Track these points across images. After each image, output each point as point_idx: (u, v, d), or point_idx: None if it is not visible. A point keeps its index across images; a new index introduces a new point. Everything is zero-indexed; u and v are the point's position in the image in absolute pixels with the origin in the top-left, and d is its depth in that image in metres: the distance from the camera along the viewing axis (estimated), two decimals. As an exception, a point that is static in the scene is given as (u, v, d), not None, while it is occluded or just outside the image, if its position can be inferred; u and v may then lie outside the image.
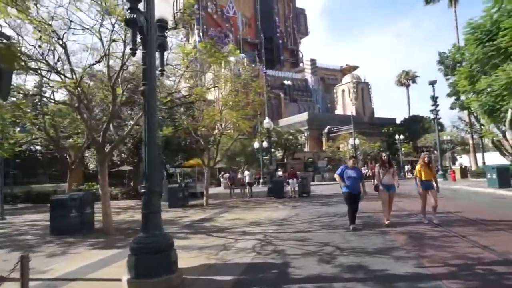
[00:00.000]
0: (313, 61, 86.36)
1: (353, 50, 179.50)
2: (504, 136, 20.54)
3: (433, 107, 27.27)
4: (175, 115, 15.69)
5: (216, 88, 15.65)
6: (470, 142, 29.97)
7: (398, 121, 62.28)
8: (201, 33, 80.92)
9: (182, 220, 11.75)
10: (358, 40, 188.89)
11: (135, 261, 4.55)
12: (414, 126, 57.78)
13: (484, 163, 30.84)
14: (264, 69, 52.96)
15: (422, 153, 9.73)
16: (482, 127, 25.76)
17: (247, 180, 19.91)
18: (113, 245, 7.73)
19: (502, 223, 8.02)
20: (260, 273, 5.16)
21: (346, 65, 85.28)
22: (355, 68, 77.41)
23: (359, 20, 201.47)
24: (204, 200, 16.79)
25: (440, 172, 27.31)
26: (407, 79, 66.90)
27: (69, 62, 8.52)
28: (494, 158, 32.36)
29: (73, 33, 8.34)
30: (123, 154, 21.32)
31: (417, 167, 9.02)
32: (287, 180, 19.07)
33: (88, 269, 5.69)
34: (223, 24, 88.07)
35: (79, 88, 8.66)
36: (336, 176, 8.62)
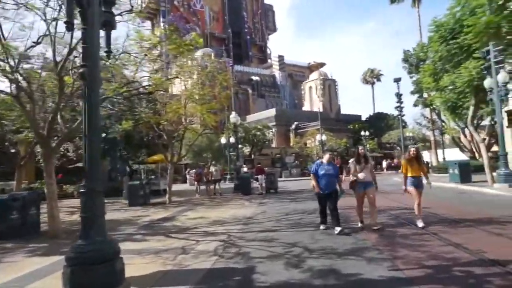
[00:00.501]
0: (281, 57, 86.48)
1: (320, 48, 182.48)
2: (464, 133, 21.24)
3: (398, 104, 27.80)
4: (135, 108, 14.66)
5: (180, 80, 14.85)
6: (431, 138, 30.93)
7: (363, 118, 63.81)
8: (166, 26, 78.79)
9: (141, 219, 10.94)
10: (326, 39, 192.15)
11: (70, 273, 3.84)
12: (379, 123, 59.34)
13: (444, 159, 31.95)
14: (231, 62, 52.07)
15: (409, 146, 8.51)
16: (444, 124, 26.58)
17: (213, 177, 18.51)
18: (57, 250, 6.85)
19: (470, 219, 7.93)
20: (220, 280, 4.60)
21: (314, 62, 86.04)
22: (322, 65, 78.33)
23: (327, 19, 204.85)
24: (167, 198, 15.96)
25: (403, 168, 27.94)
26: (372, 77, 68.60)
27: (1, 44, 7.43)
28: (453, 154, 33.68)
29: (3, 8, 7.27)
30: (80, 150, 19.91)
31: (402, 161, 7.81)
32: (255, 176, 18.60)
33: (20, 281, 4.87)
34: (190, 18, 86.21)
35: (17, 74, 7.64)
36: (312, 175, 7.76)
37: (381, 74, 68.87)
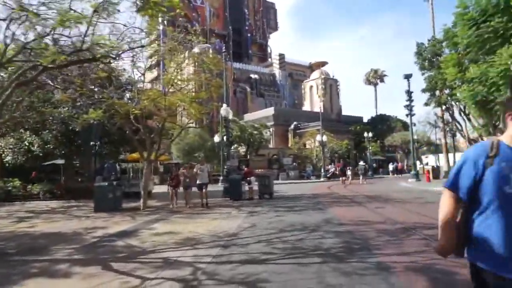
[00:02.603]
0: (281, 56, 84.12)
1: (322, 48, 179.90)
2: (492, 133, 18.71)
3: (408, 103, 25.32)
4: (93, 90, 12.07)
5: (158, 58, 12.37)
6: (443, 141, 28.45)
7: (365, 120, 61.35)
8: (165, 21, 76.34)
9: (92, 233, 8.38)
10: (328, 38, 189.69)
11: None
12: (381, 125, 56.97)
13: (455, 163, 29.50)
14: (228, 56, 49.45)
15: None
16: (457, 124, 24.12)
17: (198, 180, 13.44)
18: None
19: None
20: None
21: (315, 61, 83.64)
22: (324, 64, 75.80)
23: (329, 18, 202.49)
24: (141, 203, 13.41)
25: (413, 172, 25.47)
26: (375, 77, 66.21)
27: None
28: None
29: None
30: (47, 145, 17.32)
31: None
32: (247, 178, 16.01)
33: None
34: (190, 13, 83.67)
35: None
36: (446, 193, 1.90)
37: (385, 75, 66.53)
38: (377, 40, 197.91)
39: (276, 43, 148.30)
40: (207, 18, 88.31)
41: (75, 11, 6.47)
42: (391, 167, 42.30)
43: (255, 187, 16.06)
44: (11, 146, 17.80)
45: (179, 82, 13.53)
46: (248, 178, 15.66)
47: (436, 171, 26.92)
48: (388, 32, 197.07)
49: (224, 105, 16.16)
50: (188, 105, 12.33)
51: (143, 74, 12.87)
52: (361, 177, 28.17)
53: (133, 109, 12.01)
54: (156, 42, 12.53)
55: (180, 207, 13.35)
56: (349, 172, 27.71)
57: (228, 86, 64.86)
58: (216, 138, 31.06)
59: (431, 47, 22.76)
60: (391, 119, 58.98)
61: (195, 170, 13.86)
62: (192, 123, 17.43)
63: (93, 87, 12.39)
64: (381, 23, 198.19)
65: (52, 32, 6.99)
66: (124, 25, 7.61)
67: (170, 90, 13.31)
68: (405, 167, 50.44)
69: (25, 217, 12.39)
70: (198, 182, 13.60)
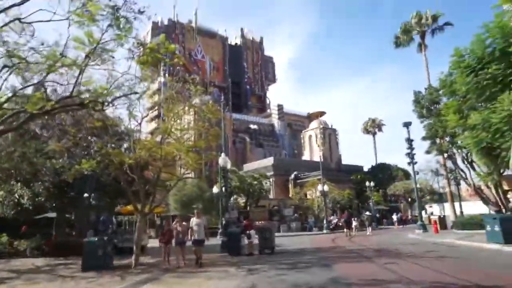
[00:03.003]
0: (280, 106, 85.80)
1: (320, 98, 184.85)
2: (498, 184, 18.15)
3: (409, 151, 24.99)
4: (96, 144, 11.72)
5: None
6: (447, 189, 27.74)
7: (365, 169, 60.86)
8: (167, 74, 78.77)
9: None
10: (325, 90, 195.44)
11: None
12: (382, 174, 56.39)
13: (462, 212, 28.54)
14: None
15: None
16: (461, 172, 23.58)
17: (196, 236, 11.83)
18: None
19: None
20: None
21: (314, 111, 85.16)
22: (322, 114, 77.03)
23: (327, 70, 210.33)
24: (133, 259, 12.46)
25: (419, 223, 24.43)
26: (373, 126, 66.90)
27: None
28: (472, 208, 30.31)
29: None
30: (38, 198, 16.61)
31: None
32: (247, 232, 15.12)
33: None
34: (191, 67, 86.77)
35: None
36: None
37: (383, 124, 67.29)
38: (374, 91, 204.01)
39: (275, 94, 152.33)
40: (207, 71, 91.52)
41: (65, 56, 6.27)
42: (395, 217, 41.01)
43: (255, 240, 15.12)
44: (0, 199, 17.07)
45: (177, 132, 13.24)
46: (248, 232, 14.77)
47: (443, 221, 25.89)
48: (385, 83, 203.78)
49: (223, 155, 15.75)
50: (185, 155, 11.90)
51: (140, 124, 12.60)
52: (369, 228, 27.59)
53: (127, 159, 11.56)
54: (157, 93, 12.44)
55: (174, 265, 12.36)
56: (355, 223, 26.97)
57: (227, 136, 65.36)
58: (215, 189, 30.34)
59: (429, 95, 22.95)
60: (392, 167, 58.57)
61: (190, 225, 12.21)
62: (190, 173, 16.89)
63: (88, 137, 12.03)
64: (378, 75, 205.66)
65: (43, 79, 6.77)
66: (118, 72, 7.43)
67: (167, 140, 12.98)
68: (409, 217, 49.02)
69: (5, 278, 11.40)
70: (195, 238, 11.97)
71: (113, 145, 12.36)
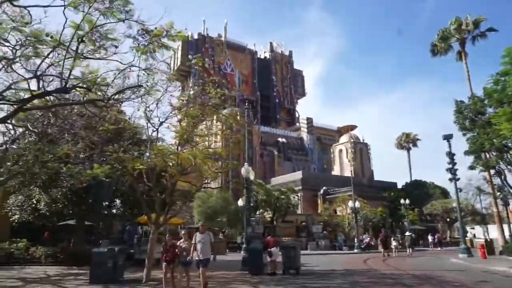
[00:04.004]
0: (309, 120, 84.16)
1: (351, 113, 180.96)
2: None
3: (450, 166, 22.81)
4: (107, 149, 10.90)
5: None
6: (494, 210, 25.10)
7: (399, 186, 57.62)
8: (196, 87, 79.54)
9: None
10: (356, 104, 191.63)
11: None
12: (417, 191, 53.00)
13: (511, 236, 25.66)
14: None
15: None
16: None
17: (200, 254, 9.18)
18: None
19: None
20: None
21: (344, 125, 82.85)
22: (353, 128, 74.63)
23: (357, 85, 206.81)
24: (144, 274, 11.48)
25: (462, 246, 22.01)
26: (407, 142, 63.71)
27: None
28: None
29: None
30: (57, 204, 16.13)
31: None
32: (268, 249, 13.76)
33: None
34: (220, 80, 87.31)
35: None
36: None
37: (417, 139, 63.94)
38: (408, 105, 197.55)
39: (304, 108, 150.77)
40: (236, 84, 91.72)
41: (52, 37, 5.48)
42: (430, 238, 38.07)
43: (279, 258, 13.73)
44: (19, 204, 16.79)
45: (196, 138, 12.34)
46: (269, 249, 13.42)
47: (490, 245, 23.28)
48: (420, 97, 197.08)
49: (246, 165, 14.65)
50: (201, 161, 10.88)
51: (157, 130, 11.78)
52: (409, 249, 26.32)
53: (139, 164, 10.69)
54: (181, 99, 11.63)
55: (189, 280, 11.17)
56: (395, 243, 25.20)
57: (255, 148, 64.24)
58: (240, 202, 29.22)
59: (473, 104, 20.94)
60: (428, 185, 55.10)
61: (193, 241, 9.43)
62: (209, 182, 15.88)
63: (101, 140, 11.33)
64: (413, 88, 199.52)
65: (37, 69, 6.03)
66: (122, 63, 6.58)
67: (185, 146, 12.08)
68: (447, 238, 45.51)
69: (12, 287, 10.74)
70: (198, 257, 9.28)
71: (129, 151, 11.57)
